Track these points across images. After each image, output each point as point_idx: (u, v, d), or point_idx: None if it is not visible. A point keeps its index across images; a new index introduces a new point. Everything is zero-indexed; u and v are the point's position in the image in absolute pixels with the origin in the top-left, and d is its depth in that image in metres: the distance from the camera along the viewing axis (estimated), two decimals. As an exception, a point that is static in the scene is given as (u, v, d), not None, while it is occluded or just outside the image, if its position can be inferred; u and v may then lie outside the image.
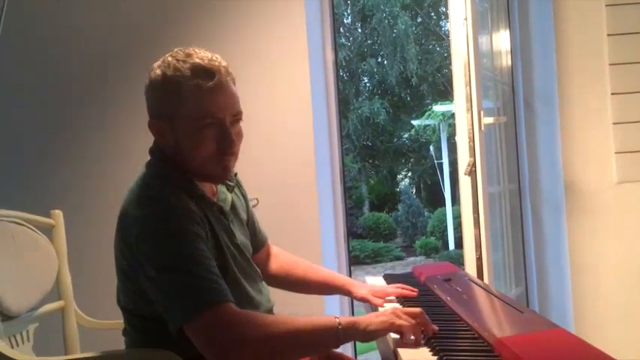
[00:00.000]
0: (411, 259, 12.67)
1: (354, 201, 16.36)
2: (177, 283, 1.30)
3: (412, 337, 1.31)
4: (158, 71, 1.44)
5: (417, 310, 1.38)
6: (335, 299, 2.85)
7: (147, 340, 1.48)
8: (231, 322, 1.26)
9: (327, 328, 1.32)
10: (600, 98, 2.89)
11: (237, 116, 1.47)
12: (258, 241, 1.79)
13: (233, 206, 1.61)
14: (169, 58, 1.44)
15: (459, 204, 2.39)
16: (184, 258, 1.32)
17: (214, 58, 1.45)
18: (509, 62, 3.07)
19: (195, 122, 1.40)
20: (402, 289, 1.77)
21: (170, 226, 1.34)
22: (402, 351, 1.26)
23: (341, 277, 1.88)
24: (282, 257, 1.88)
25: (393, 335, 1.35)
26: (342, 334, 1.31)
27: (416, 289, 1.77)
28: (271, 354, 1.29)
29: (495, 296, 1.64)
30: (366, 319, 1.36)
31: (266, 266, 1.84)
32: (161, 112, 1.44)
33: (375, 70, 17.14)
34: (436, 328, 1.35)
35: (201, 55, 1.44)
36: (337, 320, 1.32)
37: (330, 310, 2.78)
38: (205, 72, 1.40)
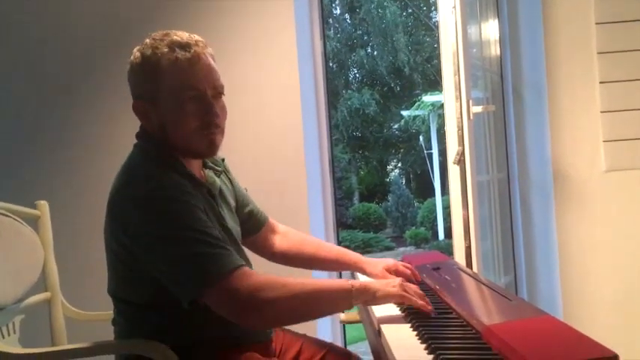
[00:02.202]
0: (401, 249, 12.73)
1: (344, 192, 16.38)
2: (191, 253, 1.31)
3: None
4: (137, 53, 1.45)
5: (420, 291, 1.45)
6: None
7: (136, 329, 1.47)
8: (252, 284, 1.29)
9: (341, 290, 1.38)
10: (588, 87, 2.90)
11: (218, 90, 1.47)
12: (258, 221, 1.80)
13: (221, 192, 1.60)
14: (147, 40, 1.46)
15: (448, 194, 2.39)
16: (191, 228, 1.32)
17: (192, 36, 1.46)
18: (498, 51, 3.07)
19: (177, 96, 1.41)
20: (411, 270, 1.78)
21: (170, 200, 1.35)
22: (391, 342, 1.26)
23: (352, 254, 1.88)
24: (292, 235, 1.88)
25: (378, 314, 1.42)
26: (355, 296, 1.38)
27: (419, 276, 1.78)
28: (290, 313, 1.36)
29: (484, 284, 1.64)
30: (377, 285, 1.43)
31: (274, 244, 1.85)
32: (143, 92, 1.45)
33: (365, 61, 17.12)
34: (431, 309, 1.40)
35: (179, 33, 1.45)
36: (350, 283, 1.39)
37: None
38: (181, 45, 1.42)
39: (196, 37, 1.46)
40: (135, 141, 1.52)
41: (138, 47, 1.47)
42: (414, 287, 1.46)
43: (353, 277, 1.86)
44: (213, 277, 1.29)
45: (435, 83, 16.66)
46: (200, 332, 1.41)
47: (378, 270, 1.78)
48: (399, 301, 1.42)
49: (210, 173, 1.59)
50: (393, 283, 1.44)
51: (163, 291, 1.36)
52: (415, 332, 1.31)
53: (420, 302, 1.40)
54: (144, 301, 1.42)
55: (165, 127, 1.44)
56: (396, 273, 1.76)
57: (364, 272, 1.83)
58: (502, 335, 1.13)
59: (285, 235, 1.88)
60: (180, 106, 1.41)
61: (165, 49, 1.41)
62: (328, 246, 1.92)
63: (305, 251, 1.85)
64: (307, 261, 1.86)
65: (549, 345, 1.08)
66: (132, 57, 1.47)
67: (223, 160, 1.68)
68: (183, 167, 1.46)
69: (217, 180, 1.60)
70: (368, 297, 1.41)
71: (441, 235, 13.24)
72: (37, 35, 2.89)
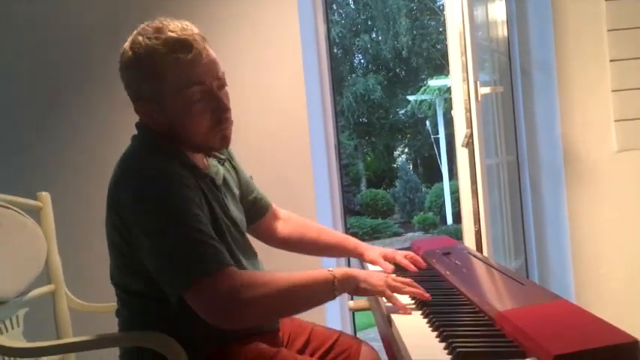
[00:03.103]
0: (410, 234, 12.71)
1: (352, 178, 16.34)
2: (176, 249, 1.28)
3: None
4: (130, 53, 1.37)
5: (408, 280, 1.45)
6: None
7: (140, 320, 1.45)
8: (231, 285, 1.25)
9: (323, 282, 1.36)
10: (599, 65, 2.84)
11: (222, 80, 1.42)
12: (262, 206, 1.77)
13: (225, 180, 1.56)
14: (139, 38, 1.37)
15: (456, 179, 2.36)
16: (182, 224, 1.29)
17: (185, 27, 1.39)
18: (506, 32, 3.01)
19: (184, 97, 1.35)
20: (411, 259, 1.76)
21: (166, 192, 1.31)
22: (401, 330, 1.22)
23: (352, 240, 1.87)
24: (294, 220, 1.87)
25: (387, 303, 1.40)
26: (338, 287, 1.36)
27: (423, 264, 1.75)
28: (272, 311, 1.34)
29: (495, 269, 1.60)
30: (362, 275, 1.41)
31: (277, 229, 1.83)
32: (144, 93, 1.39)
33: (369, 46, 17.01)
34: (428, 295, 1.39)
35: (171, 27, 1.37)
36: (332, 274, 1.36)
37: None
38: (181, 44, 1.35)
39: (190, 27, 1.39)
40: (135, 131, 1.48)
41: (128, 44, 1.39)
42: (406, 280, 1.44)
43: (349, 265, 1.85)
44: (194, 278, 1.25)
45: (440, 67, 16.55)
46: (204, 323, 1.38)
47: (375, 255, 1.78)
48: (380, 296, 1.41)
49: (213, 162, 1.55)
50: (378, 276, 1.43)
51: None
52: (426, 320, 1.27)
53: (406, 289, 1.40)
54: (146, 292, 1.39)
55: (176, 127, 1.39)
56: (394, 262, 1.75)
57: (362, 257, 1.82)
58: (516, 321, 1.09)
59: (287, 221, 1.86)
60: (188, 108, 1.36)
61: (163, 49, 1.34)
62: (330, 232, 1.91)
63: (307, 237, 1.84)
64: (309, 247, 1.85)
65: (565, 331, 1.04)
66: (124, 56, 1.39)
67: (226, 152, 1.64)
68: (186, 158, 1.42)
69: (221, 169, 1.56)
70: (350, 287, 1.39)
71: (450, 220, 13.21)
72: (37, 24, 2.85)
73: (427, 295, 1.39)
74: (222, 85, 1.41)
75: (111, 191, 1.40)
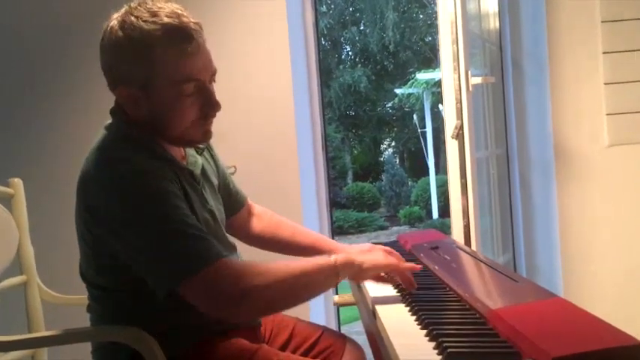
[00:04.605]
0: (395, 228, 12.70)
1: (338, 171, 16.30)
2: (165, 245, 1.22)
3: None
4: (120, 33, 1.28)
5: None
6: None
7: (111, 315, 1.39)
8: (229, 276, 1.20)
9: (325, 268, 1.31)
10: (591, 57, 2.78)
11: (214, 75, 1.37)
12: (237, 201, 1.70)
13: (203, 171, 1.50)
14: (131, 18, 1.28)
15: (442, 173, 2.30)
16: (167, 218, 1.23)
17: (182, 13, 1.31)
18: (497, 24, 2.96)
19: (175, 88, 1.29)
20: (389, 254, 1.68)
21: (145, 185, 1.24)
22: (389, 328, 1.16)
23: (329, 241, 1.79)
24: (267, 217, 1.78)
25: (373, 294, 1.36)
26: (341, 271, 1.31)
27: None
28: (273, 302, 1.27)
29: (487, 264, 1.54)
30: (361, 257, 1.37)
31: (250, 226, 1.75)
32: (132, 78, 1.30)
33: (357, 38, 16.95)
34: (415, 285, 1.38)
35: (167, 10, 1.29)
36: (333, 259, 1.31)
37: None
38: (180, 34, 1.28)
39: (185, 14, 1.31)
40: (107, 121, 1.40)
41: (117, 24, 1.29)
42: (397, 256, 1.43)
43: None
44: (191, 270, 1.20)
45: (428, 61, 16.52)
46: (181, 318, 1.31)
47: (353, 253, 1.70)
48: (389, 269, 1.38)
49: (191, 152, 1.48)
50: (377, 253, 1.40)
51: (137, 277, 1.26)
52: (414, 317, 1.21)
53: (408, 275, 1.38)
54: (117, 287, 1.33)
55: (158, 117, 1.32)
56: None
57: None
58: (510, 320, 1.03)
59: (261, 217, 1.77)
60: (178, 98, 1.30)
61: (162, 37, 1.26)
62: (305, 231, 1.81)
63: (280, 235, 1.74)
64: (282, 245, 1.76)
65: (564, 331, 0.99)
66: (110, 34, 1.29)
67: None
68: (162, 150, 1.35)
69: (199, 159, 1.49)
70: (354, 270, 1.35)
71: (435, 214, 13.22)
72: (11, 8, 2.75)
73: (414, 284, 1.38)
74: (213, 80, 1.37)
75: (82, 183, 1.32)
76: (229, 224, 1.66)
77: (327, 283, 1.33)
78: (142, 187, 1.25)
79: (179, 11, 1.31)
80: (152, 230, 1.23)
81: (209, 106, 1.33)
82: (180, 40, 1.27)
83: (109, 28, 1.31)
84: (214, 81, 1.38)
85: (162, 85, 1.29)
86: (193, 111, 1.32)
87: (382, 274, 1.45)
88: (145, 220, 1.23)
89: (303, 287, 1.29)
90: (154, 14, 1.28)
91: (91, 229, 1.30)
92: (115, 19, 1.31)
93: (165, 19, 1.27)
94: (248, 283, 1.20)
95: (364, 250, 1.47)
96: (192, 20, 1.31)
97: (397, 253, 1.47)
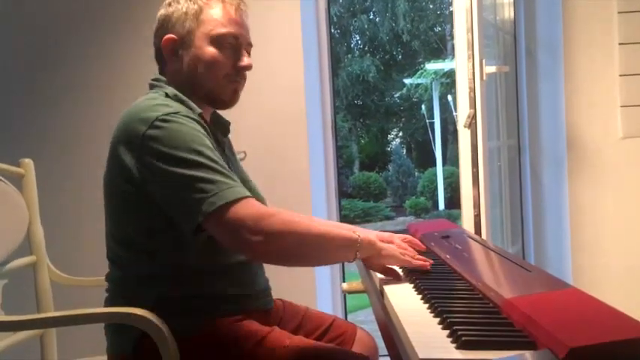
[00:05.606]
0: (401, 218, 12.70)
1: (345, 160, 16.28)
2: (197, 178, 1.26)
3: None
4: None
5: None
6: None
7: (135, 280, 1.40)
8: (253, 214, 1.24)
9: (348, 239, 1.34)
10: (607, 48, 2.75)
11: (249, 46, 1.50)
12: (257, 199, 1.69)
13: (229, 148, 1.58)
14: None
15: (449, 164, 2.28)
16: (201, 154, 1.28)
17: None
18: (512, 14, 2.93)
19: (218, 39, 1.43)
20: (409, 242, 1.67)
21: (184, 126, 1.31)
22: (401, 316, 1.14)
23: (346, 226, 1.77)
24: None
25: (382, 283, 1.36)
26: (360, 248, 1.34)
27: (422, 246, 1.65)
28: (287, 251, 1.29)
29: (499, 254, 1.53)
30: (378, 243, 1.40)
31: None
32: (178, 27, 1.44)
33: (367, 27, 16.85)
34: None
35: None
36: (357, 234, 1.35)
37: (320, 277, 2.70)
38: (230, 1, 1.46)
39: None
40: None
41: None
42: (413, 253, 1.46)
43: None
44: (220, 202, 1.24)
45: (437, 51, 16.43)
46: (199, 289, 1.37)
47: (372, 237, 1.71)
48: (400, 264, 1.41)
49: (218, 132, 1.54)
50: (393, 247, 1.43)
51: (166, 240, 1.33)
52: (427, 305, 1.20)
53: (419, 262, 1.41)
54: (148, 247, 1.37)
55: (196, 66, 1.43)
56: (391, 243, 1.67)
57: None
58: (525, 310, 1.02)
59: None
60: (215, 48, 1.43)
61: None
62: (321, 221, 1.86)
63: None
64: None
65: (580, 321, 0.97)
66: None
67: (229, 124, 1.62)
68: (201, 114, 1.41)
69: (225, 140, 1.56)
70: (373, 252, 1.38)
71: (442, 205, 13.19)
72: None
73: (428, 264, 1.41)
74: (248, 49, 1.50)
75: (123, 124, 1.35)
76: None
77: (343, 254, 1.35)
78: (180, 126, 1.30)
79: None
80: (184, 163, 1.26)
81: (242, 62, 1.45)
82: (229, 4, 1.45)
83: None
84: (249, 53, 1.49)
85: (205, 35, 1.42)
86: (227, 65, 1.44)
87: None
88: (179, 153, 1.27)
89: (319, 248, 1.32)
90: None
91: (131, 180, 1.32)
92: None
93: None
94: (268, 225, 1.24)
95: (385, 239, 1.49)
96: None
97: (417, 241, 1.48)
